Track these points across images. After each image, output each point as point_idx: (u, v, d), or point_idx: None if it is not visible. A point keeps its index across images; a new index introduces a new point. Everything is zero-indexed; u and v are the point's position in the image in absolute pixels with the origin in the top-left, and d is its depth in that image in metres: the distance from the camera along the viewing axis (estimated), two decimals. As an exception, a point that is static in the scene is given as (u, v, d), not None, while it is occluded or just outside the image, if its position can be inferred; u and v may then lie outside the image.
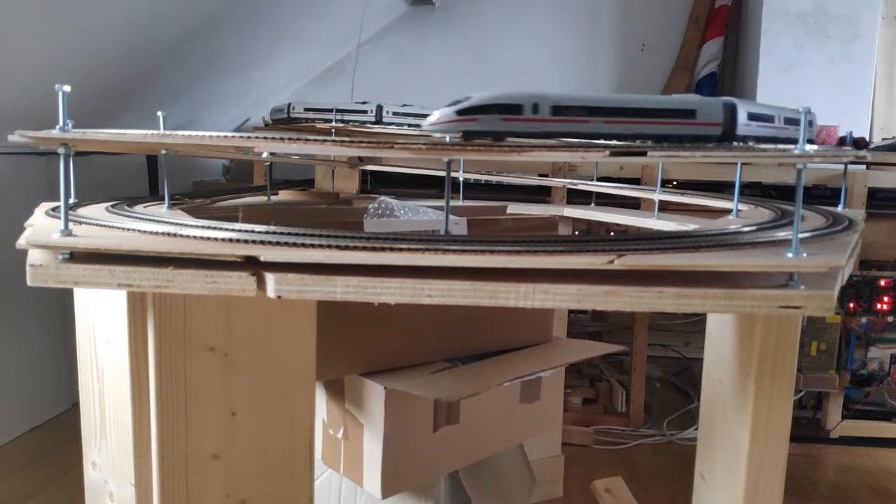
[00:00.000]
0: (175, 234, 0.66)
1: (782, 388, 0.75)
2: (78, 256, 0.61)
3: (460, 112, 0.63)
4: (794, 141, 0.71)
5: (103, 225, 0.72)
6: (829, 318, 2.00)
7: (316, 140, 0.64)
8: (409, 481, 1.01)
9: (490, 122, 0.63)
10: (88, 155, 1.22)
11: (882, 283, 2.01)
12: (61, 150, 0.63)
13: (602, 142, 0.67)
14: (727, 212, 0.99)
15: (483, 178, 1.83)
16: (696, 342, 2.80)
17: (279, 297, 0.57)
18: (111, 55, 1.89)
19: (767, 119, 0.71)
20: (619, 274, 0.58)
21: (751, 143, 0.72)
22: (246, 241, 0.62)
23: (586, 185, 1.66)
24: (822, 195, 1.99)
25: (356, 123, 1.68)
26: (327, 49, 3.06)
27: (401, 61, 3.14)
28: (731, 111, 0.66)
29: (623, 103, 0.64)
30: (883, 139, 2.46)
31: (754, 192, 1.98)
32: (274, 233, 0.63)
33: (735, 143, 0.69)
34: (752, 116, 0.69)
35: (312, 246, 0.60)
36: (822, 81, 2.56)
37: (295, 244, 0.60)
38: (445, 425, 1.02)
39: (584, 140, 0.67)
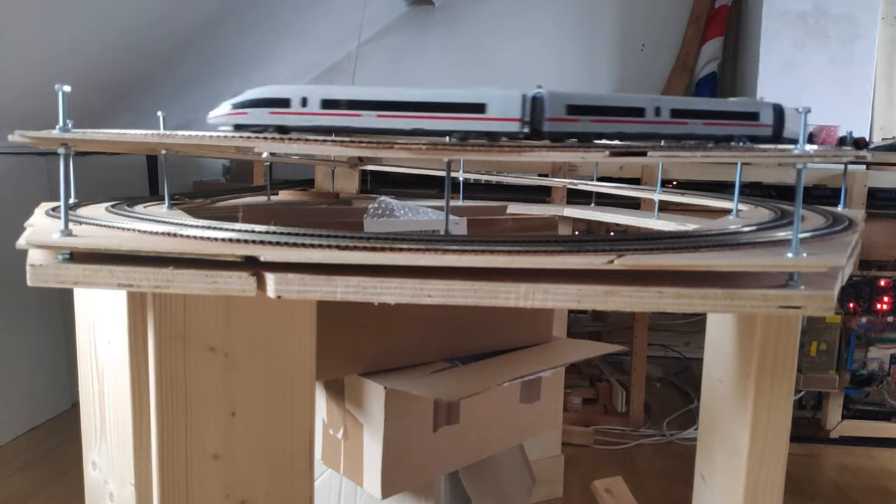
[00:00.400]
0: (175, 234, 0.66)
1: (782, 388, 0.75)
2: (78, 256, 0.61)
3: (234, 106, 0.64)
4: (695, 137, 0.66)
5: (103, 225, 0.72)
6: (829, 318, 2.01)
7: (316, 140, 0.64)
8: (409, 481, 1.01)
9: (259, 115, 0.64)
10: (88, 155, 1.22)
11: (882, 283, 2.01)
12: (61, 150, 0.63)
13: (601, 142, 0.67)
14: (727, 212, 0.99)
15: (483, 178, 1.83)
16: (696, 342, 2.80)
17: (279, 297, 0.57)
18: (111, 55, 1.89)
19: (615, 112, 0.64)
20: (619, 274, 0.58)
21: (604, 141, 0.64)
22: (246, 241, 0.62)
23: (586, 185, 1.66)
24: (822, 195, 1.99)
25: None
26: (327, 49, 3.06)
27: (401, 61, 3.14)
28: (536, 104, 0.61)
29: (401, 97, 0.62)
30: (883, 139, 2.46)
31: (754, 192, 1.98)
32: (274, 233, 0.63)
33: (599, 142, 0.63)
34: (581, 110, 0.62)
35: (312, 246, 0.60)
36: (822, 81, 2.56)
37: (295, 244, 0.60)
38: (445, 425, 1.02)
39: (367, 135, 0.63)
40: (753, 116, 0.68)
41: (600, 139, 0.64)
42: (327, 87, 0.64)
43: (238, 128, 0.65)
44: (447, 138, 0.64)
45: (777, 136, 0.69)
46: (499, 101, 0.61)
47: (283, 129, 0.65)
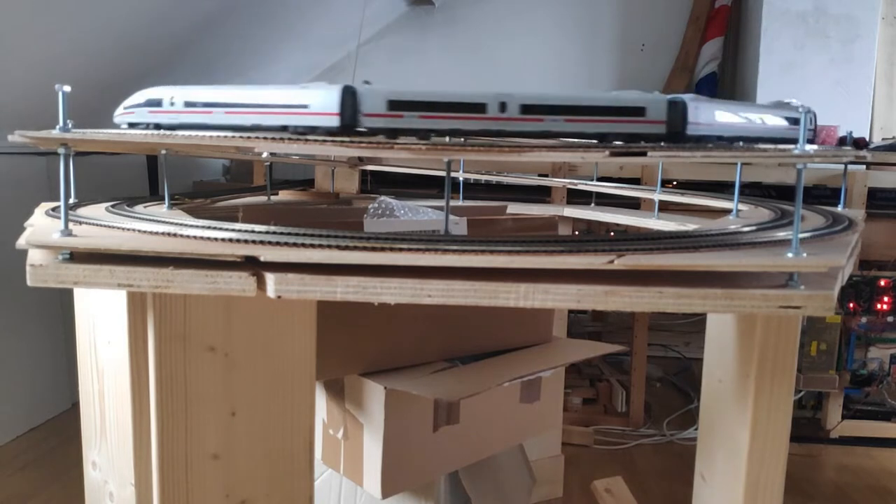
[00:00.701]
0: (175, 234, 0.66)
1: (782, 388, 0.75)
2: (78, 256, 0.61)
3: (125, 107, 0.71)
4: (553, 136, 0.64)
5: (103, 225, 0.72)
6: (829, 318, 2.01)
7: (316, 140, 0.64)
8: (409, 481, 1.01)
9: (141, 114, 0.70)
10: (88, 155, 1.22)
11: (882, 283, 2.01)
12: (61, 150, 0.63)
13: (601, 142, 0.67)
14: (727, 212, 0.99)
15: (483, 178, 1.83)
16: (696, 342, 2.80)
17: (279, 297, 0.57)
18: (111, 55, 1.89)
19: (449, 108, 0.62)
20: (619, 274, 0.58)
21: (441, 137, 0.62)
22: (246, 241, 0.62)
23: (586, 185, 1.66)
24: (822, 195, 1.99)
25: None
26: (327, 49, 3.06)
27: (401, 61, 3.14)
28: (350, 99, 0.62)
29: (241, 97, 0.66)
30: (883, 139, 2.46)
31: (754, 192, 1.98)
32: (274, 233, 0.63)
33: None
34: (406, 106, 0.62)
35: (312, 246, 0.60)
36: (822, 81, 2.56)
37: (295, 244, 0.60)
38: (445, 425, 1.02)
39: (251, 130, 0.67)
40: (638, 112, 0.63)
41: (433, 135, 0.64)
42: (191, 88, 0.68)
43: (130, 125, 0.71)
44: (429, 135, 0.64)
45: (677, 133, 0.63)
46: (319, 97, 0.62)
47: (158, 126, 0.69)
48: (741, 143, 0.71)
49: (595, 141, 0.65)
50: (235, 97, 0.66)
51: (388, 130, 0.63)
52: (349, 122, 0.62)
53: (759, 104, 0.74)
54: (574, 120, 0.63)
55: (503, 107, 0.62)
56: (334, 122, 0.62)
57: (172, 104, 0.68)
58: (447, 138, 0.66)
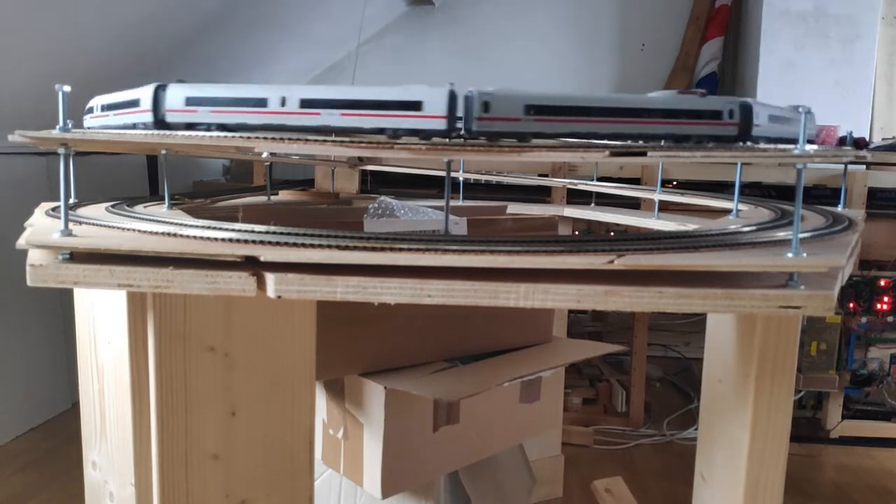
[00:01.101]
0: (175, 234, 0.66)
1: (782, 388, 0.75)
2: (78, 256, 0.61)
3: (85, 111, 0.80)
4: (331, 130, 0.64)
5: (103, 225, 0.72)
6: (829, 318, 2.01)
7: (316, 140, 0.64)
8: (409, 481, 1.01)
9: (87, 119, 0.79)
10: (88, 155, 1.23)
11: (882, 283, 2.01)
12: (61, 150, 0.63)
13: (601, 142, 0.67)
14: (727, 212, 0.99)
15: (483, 178, 1.83)
16: (696, 342, 2.80)
17: (279, 297, 0.57)
18: (111, 55, 1.89)
19: (234, 103, 0.64)
20: (619, 274, 0.58)
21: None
22: (246, 241, 0.62)
23: (586, 185, 1.66)
24: (822, 195, 2.00)
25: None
26: (327, 49, 3.06)
27: (401, 61, 3.14)
28: (160, 96, 0.66)
29: (118, 97, 0.72)
30: (883, 139, 2.46)
31: (754, 192, 1.98)
32: (274, 233, 0.63)
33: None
34: (199, 101, 0.65)
35: (312, 246, 0.60)
36: (822, 81, 2.56)
37: (295, 244, 0.60)
38: (445, 425, 1.02)
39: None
40: (415, 106, 0.62)
41: (229, 130, 0.66)
42: (106, 95, 0.76)
43: (89, 128, 0.79)
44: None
45: (467, 129, 0.62)
46: (142, 95, 0.68)
47: (90, 128, 0.78)
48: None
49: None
50: (117, 98, 0.72)
51: (185, 125, 0.67)
52: (160, 117, 0.67)
53: (646, 95, 0.66)
54: (350, 114, 0.64)
55: (283, 101, 0.64)
56: (149, 118, 0.67)
57: (97, 109, 0.77)
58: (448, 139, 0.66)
